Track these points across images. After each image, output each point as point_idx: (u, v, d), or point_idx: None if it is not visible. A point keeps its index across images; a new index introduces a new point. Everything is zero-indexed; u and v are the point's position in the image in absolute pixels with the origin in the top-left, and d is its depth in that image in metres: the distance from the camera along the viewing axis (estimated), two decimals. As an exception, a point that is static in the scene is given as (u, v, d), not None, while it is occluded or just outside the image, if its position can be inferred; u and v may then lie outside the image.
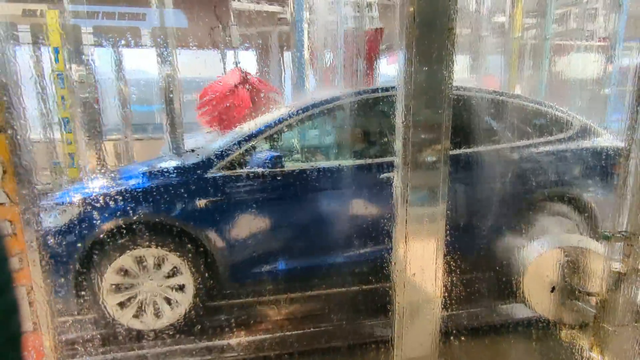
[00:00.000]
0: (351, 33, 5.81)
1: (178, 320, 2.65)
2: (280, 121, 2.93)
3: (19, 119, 1.25)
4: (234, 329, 2.72)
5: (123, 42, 6.22)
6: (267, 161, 2.72)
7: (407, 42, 1.53)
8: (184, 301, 2.66)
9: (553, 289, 1.81)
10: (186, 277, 2.64)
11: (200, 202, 2.64)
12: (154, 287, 2.61)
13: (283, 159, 2.78)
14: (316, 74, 6.37)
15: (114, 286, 2.54)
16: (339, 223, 2.92)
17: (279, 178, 2.77)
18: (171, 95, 5.34)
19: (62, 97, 5.12)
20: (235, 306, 3.01)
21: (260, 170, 2.73)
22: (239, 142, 2.82)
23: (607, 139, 3.34)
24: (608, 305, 1.70)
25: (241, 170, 2.74)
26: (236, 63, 6.18)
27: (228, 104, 5.51)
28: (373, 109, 3.21)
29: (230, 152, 2.78)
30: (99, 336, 2.60)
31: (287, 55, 7.81)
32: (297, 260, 2.88)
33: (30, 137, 1.31)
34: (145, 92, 7.17)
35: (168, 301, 2.65)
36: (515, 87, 6.35)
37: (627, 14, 6.12)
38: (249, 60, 8.36)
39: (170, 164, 2.93)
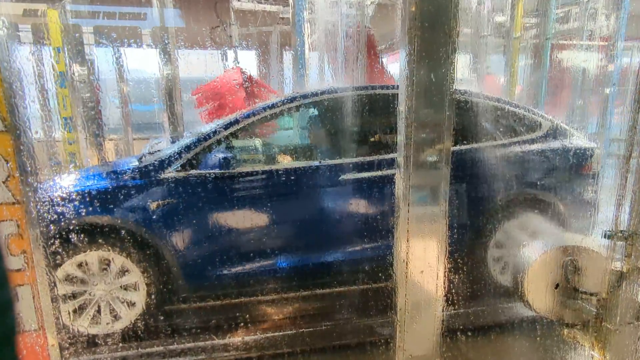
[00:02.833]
0: (349, 32, 5.80)
1: (129, 324, 2.60)
2: (234, 123, 2.86)
3: (23, 119, 1.26)
4: (190, 332, 2.68)
5: (124, 41, 6.22)
6: (219, 163, 2.70)
7: (409, 41, 1.54)
8: (136, 306, 2.60)
9: (557, 286, 1.82)
10: (138, 281, 2.60)
11: (153, 204, 2.59)
12: (105, 291, 2.55)
13: (234, 161, 2.74)
14: (315, 73, 6.38)
15: (63, 289, 2.49)
16: (294, 224, 2.86)
17: (230, 180, 2.73)
18: (171, 95, 5.36)
19: (63, 97, 5.13)
20: (191, 310, 2.97)
21: (212, 171, 2.70)
22: (192, 144, 2.77)
23: (577, 140, 3.27)
24: (609, 304, 1.70)
25: (195, 172, 2.70)
26: (235, 62, 6.20)
27: (221, 102, 5.52)
28: (334, 110, 3.14)
29: (183, 153, 2.73)
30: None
31: (287, 54, 7.83)
32: (248, 263, 2.82)
33: (33, 137, 1.31)
34: (145, 92, 7.18)
35: (119, 306, 2.59)
36: (515, 86, 6.35)
37: (628, 12, 6.12)
38: (249, 60, 8.37)
39: (128, 165, 2.88)
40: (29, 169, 1.22)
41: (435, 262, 1.68)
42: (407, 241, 1.67)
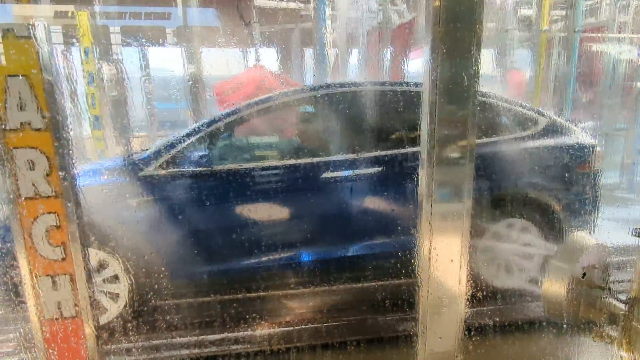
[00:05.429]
0: (375, 29, 5.78)
1: (110, 321, 2.60)
2: (215, 121, 2.83)
3: (63, 116, 1.32)
4: (175, 329, 2.67)
5: (149, 41, 6.36)
6: (196, 160, 2.69)
7: (433, 37, 1.53)
8: (118, 302, 2.61)
9: (584, 275, 1.79)
10: (120, 278, 2.58)
11: (132, 202, 2.58)
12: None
13: (211, 159, 2.73)
14: (337, 70, 6.39)
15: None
16: (270, 223, 2.80)
17: (208, 178, 2.70)
18: (195, 92, 5.46)
19: (92, 96, 5.30)
20: (175, 306, 2.92)
21: (191, 169, 2.68)
22: (174, 142, 2.76)
23: (576, 137, 3.10)
24: (638, 303, 1.66)
25: (174, 170, 2.67)
26: (257, 60, 6.28)
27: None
28: (315, 107, 3.09)
29: (163, 152, 2.71)
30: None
31: (308, 51, 7.85)
32: (224, 263, 2.80)
33: (71, 135, 1.38)
34: (171, 90, 7.33)
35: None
36: (541, 82, 6.20)
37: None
38: (271, 57, 8.43)
39: (112, 163, 2.89)
40: (68, 164, 1.28)
41: (458, 258, 1.67)
42: (430, 238, 1.67)
